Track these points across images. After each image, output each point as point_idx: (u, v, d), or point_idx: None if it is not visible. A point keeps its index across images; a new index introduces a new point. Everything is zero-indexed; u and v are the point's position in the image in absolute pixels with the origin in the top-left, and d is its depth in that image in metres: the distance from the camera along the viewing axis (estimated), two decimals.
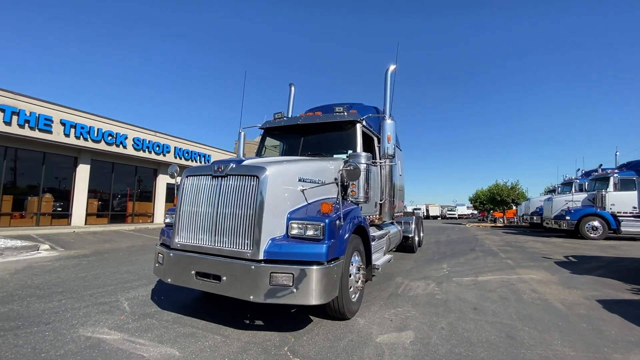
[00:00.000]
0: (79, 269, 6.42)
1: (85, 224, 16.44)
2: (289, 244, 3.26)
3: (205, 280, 3.39)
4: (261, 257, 3.17)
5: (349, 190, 4.49)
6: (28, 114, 13.50)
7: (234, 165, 3.51)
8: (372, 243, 4.96)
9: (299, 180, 3.66)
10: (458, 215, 62.56)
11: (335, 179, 3.75)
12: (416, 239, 9.79)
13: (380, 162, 5.04)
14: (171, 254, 3.66)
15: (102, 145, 16.50)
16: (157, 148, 19.62)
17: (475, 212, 57.68)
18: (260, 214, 3.23)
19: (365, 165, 4.52)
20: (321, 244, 3.23)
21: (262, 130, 6.03)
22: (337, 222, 3.41)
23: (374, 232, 5.28)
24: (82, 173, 16.47)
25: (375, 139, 5.94)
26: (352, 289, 3.90)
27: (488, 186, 33.03)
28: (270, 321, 3.80)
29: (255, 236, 3.20)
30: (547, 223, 16.72)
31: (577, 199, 15.89)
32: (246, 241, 3.25)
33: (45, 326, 3.48)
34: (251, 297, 3.14)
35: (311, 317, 3.95)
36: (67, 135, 14.93)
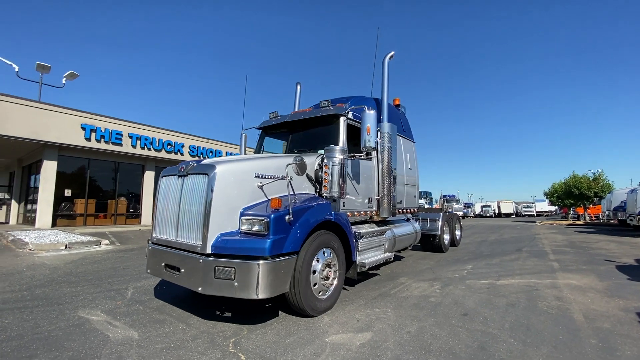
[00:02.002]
0: (117, 261, 7.43)
1: None
2: (233, 239, 3.34)
3: (171, 272, 3.66)
4: (209, 251, 3.31)
5: (323, 186, 4.38)
6: (103, 130, 15.98)
7: (194, 165, 3.72)
8: (360, 240, 4.77)
9: (256, 176, 3.71)
10: (536, 212, 55.39)
11: (283, 176, 3.68)
12: (446, 237, 9.02)
13: (359, 156, 4.78)
14: (149, 247, 4.03)
15: (162, 154, 18.68)
16: (210, 154, 21.43)
17: (555, 208, 50.46)
18: (208, 209, 3.37)
19: (340, 159, 4.36)
20: (265, 239, 3.24)
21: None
22: (287, 217, 3.38)
23: (362, 229, 5.05)
24: (149, 179, 18.86)
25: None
26: (317, 286, 3.81)
27: (564, 178, 28.56)
28: (239, 313, 3.92)
29: (203, 231, 3.35)
30: (630, 219, 13.84)
31: None
32: (198, 235, 3.42)
33: (56, 307, 4.14)
34: (200, 288, 3.30)
35: (280, 312, 3.97)
36: (134, 146, 17.26)
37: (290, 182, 3.64)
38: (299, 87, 7.66)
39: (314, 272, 3.80)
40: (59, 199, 15.37)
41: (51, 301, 4.36)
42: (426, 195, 30.32)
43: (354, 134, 5.19)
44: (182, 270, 3.49)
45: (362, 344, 3.09)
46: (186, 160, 4.50)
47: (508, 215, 57.26)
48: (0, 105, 13.07)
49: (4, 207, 20.20)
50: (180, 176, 3.81)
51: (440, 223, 8.39)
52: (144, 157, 18.11)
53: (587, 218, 27.31)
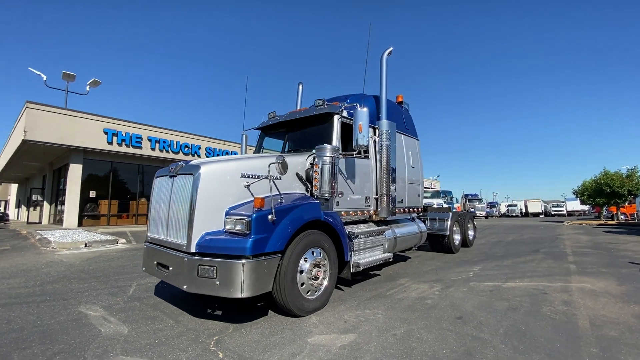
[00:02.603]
0: (128, 259, 7.73)
1: None
2: (217, 238, 3.38)
3: (162, 270, 3.76)
4: (193, 250, 3.37)
5: (314, 185, 4.35)
6: (124, 134, 16.71)
7: (183, 165, 3.80)
8: (355, 240, 4.70)
9: (242, 176, 3.73)
10: (567, 212, 52.42)
11: (266, 176, 3.65)
12: (456, 237, 8.72)
13: (350, 155, 4.69)
14: (145, 246, 4.16)
15: (180, 156, 19.26)
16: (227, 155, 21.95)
17: (588, 207, 47.56)
18: (193, 209, 3.43)
19: (330, 158, 4.31)
20: (247, 238, 3.25)
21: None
22: (270, 216, 3.37)
23: (358, 228, 4.96)
24: None
25: (370, 130, 5.55)
26: (304, 286, 3.78)
27: (594, 175, 26.85)
28: (230, 312, 3.97)
29: (188, 230, 3.41)
30: None
31: None
32: (184, 235, 3.49)
33: (61, 302, 4.36)
34: (185, 286, 3.36)
35: (270, 311, 3.98)
36: (153, 149, 17.93)
37: (274, 181, 3.64)
38: (300, 87, 7.66)
39: (302, 272, 3.77)
40: (84, 200, 16.22)
41: (58, 296, 4.59)
42: (445, 194, 29.42)
43: (349, 132, 5.11)
44: (171, 268, 3.57)
45: (343, 345, 3.03)
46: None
47: (536, 215, 54.59)
48: (32, 113, 13.99)
49: (38, 208, 21.58)
50: (170, 177, 3.91)
51: (449, 223, 8.12)
52: (163, 159, 18.74)
53: (622, 217, 25.56)
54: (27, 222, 21.08)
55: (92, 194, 16.72)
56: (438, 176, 59.43)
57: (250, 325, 3.53)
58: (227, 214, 3.54)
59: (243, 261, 3.19)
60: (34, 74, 16.09)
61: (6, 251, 8.78)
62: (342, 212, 4.85)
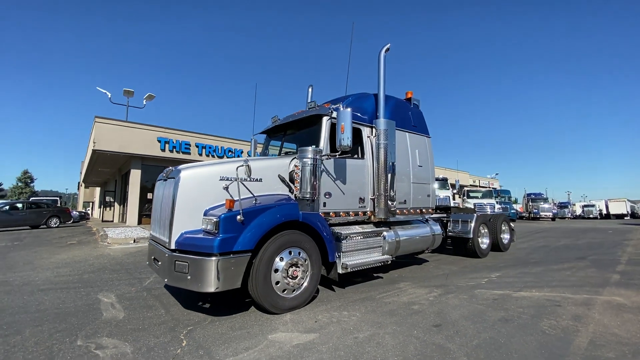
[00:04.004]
0: None
1: None
2: (192, 237, 3.67)
3: (155, 264, 4.19)
4: (173, 246, 3.71)
5: (296, 186, 4.45)
6: (174, 142, 18.51)
7: (172, 170, 4.19)
8: (343, 242, 4.69)
9: (221, 179, 3.98)
10: None
11: (235, 178, 3.82)
12: (484, 241, 8.05)
13: (333, 156, 4.65)
14: (148, 243, 4.66)
15: (225, 160, 20.73)
16: None
17: None
18: (173, 209, 3.77)
19: (311, 159, 4.37)
20: (215, 237, 3.49)
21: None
22: (238, 217, 3.57)
23: (348, 229, 4.91)
24: None
25: (366, 129, 5.48)
26: (279, 284, 3.91)
27: None
28: (216, 306, 4.26)
29: (170, 228, 3.77)
30: None
31: None
32: (168, 233, 3.85)
33: (88, 289, 5.09)
34: (166, 279, 3.72)
35: (253, 307, 4.17)
36: (200, 154, 19.54)
37: (243, 183, 3.82)
38: (310, 90, 7.77)
39: (276, 270, 3.90)
40: (143, 201, 18.33)
41: (88, 284, 5.36)
42: (497, 193, 26.93)
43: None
44: (159, 262, 3.97)
45: (298, 344, 3.09)
46: None
47: (620, 216, 46.87)
48: (99, 126, 16.27)
49: (111, 208, 24.94)
50: (164, 180, 4.33)
51: (473, 225, 7.54)
52: None
53: None
54: (102, 221, 24.50)
55: (150, 195, 18.80)
56: (496, 174, 54.61)
57: (226, 319, 3.77)
58: (204, 214, 3.83)
59: (212, 258, 3.44)
60: (99, 92, 18.66)
61: (72, 245, 10.40)
62: (331, 213, 4.86)
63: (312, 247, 4.27)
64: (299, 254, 4.14)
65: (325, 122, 4.96)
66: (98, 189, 40.82)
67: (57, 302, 4.44)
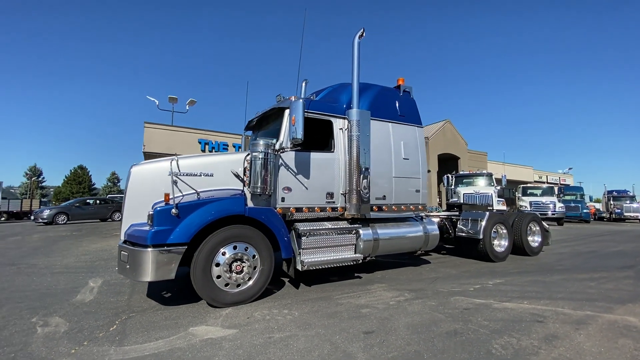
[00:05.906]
0: None
1: None
2: (135, 229, 3.87)
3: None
4: (122, 238, 3.97)
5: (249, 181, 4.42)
6: (213, 142, 19.84)
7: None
8: (303, 238, 4.55)
9: (169, 174, 4.13)
10: None
11: (169, 174, 3.93)
12: (500, 243, 7.08)
13: (283, 150, 4.47)
14: None
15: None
16: None
17: None
18: (123, 203, 4.03)
19: (262, 154, 4.30)
20: (150, 230, 3.63)
21: None
22: (173, 211, 3.67)
23: (311, 226, 4.71)
24: None
25: (338, 121, 5.20)
26: (220, 279, 3.92)
27: None
28: (176, 295, 4.46)
29: (122, 221, 4.03)
30: None
31: None
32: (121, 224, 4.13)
33: (86, 274, 5.72)
34: (116, 268, 3.99)
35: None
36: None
37: (178, 177, 3.91)
38: (304, 85, 7.62)
39: (218, 264, 3.92)
40: None
41: (89, 270, 6.04)
42: (561, 191, 23.41)
43: (312, 125, 4.91)
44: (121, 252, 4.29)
45: (208, 339, 3.07)
46: None
47: None
48: (148, 130, 18.18)
49: None
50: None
51: (483, 224, 6.68)
52: None
53: None
54: None
55: None
56: (570, 169, 47.73)
57: (170, 309, 3.91)
58: (152, 207, 4.02)
59: (147, 250, 3.59)
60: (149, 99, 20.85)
61: (115, 235, 11.78)
62: (292, 209, 4.72)
63: (262, 242, 4.21)
64: (246, 249, 4.10)
65: (287, 115, 4.82)
66: None
67: (53, 284, 5.08)
